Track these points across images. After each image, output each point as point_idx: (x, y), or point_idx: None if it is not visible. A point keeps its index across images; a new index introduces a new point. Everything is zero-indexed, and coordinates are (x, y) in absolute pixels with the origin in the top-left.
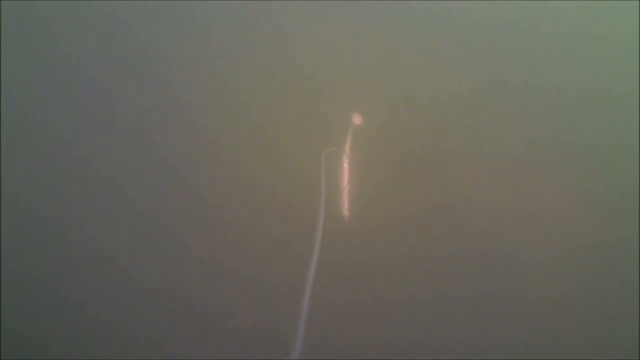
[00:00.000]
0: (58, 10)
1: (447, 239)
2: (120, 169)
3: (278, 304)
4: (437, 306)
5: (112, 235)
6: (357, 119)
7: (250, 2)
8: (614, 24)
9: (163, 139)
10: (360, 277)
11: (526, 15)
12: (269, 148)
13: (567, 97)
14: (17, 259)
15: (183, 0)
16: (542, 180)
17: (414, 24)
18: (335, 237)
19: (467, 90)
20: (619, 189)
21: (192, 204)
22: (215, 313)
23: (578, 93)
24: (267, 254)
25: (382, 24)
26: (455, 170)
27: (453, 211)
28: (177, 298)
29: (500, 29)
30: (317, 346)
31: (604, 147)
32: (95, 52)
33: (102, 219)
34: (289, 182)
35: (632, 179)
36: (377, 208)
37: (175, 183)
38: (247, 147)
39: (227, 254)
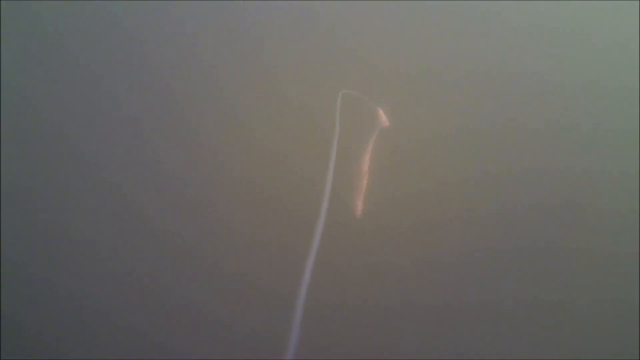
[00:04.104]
0: (58, 10)
1: (456, 244)
2: (118, 171)
3: (274, 303)
4: (436, 311)
5: (112, 237)
6: (383, 121)
7: (259, 3)
8: (614, 24)
9: (162, 141)
10: (360, 278)
11: (527, 15)
12: (268, 149)
13: (569, 95)
14: (17, 260)
15: (186, 1)
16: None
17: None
18: (338, 235)
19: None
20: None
21: (190, 204)
22: (211, 313)
23: (578, 90)
24: (266, 254)
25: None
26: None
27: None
28: (173, 299)
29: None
30: (313, 347)
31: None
32: (95, 53)
33: (103, 220)
34: (290, 183)
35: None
36: (387, 209)
37: (174, 185)
38: (245, 149)
39: (224, 255)
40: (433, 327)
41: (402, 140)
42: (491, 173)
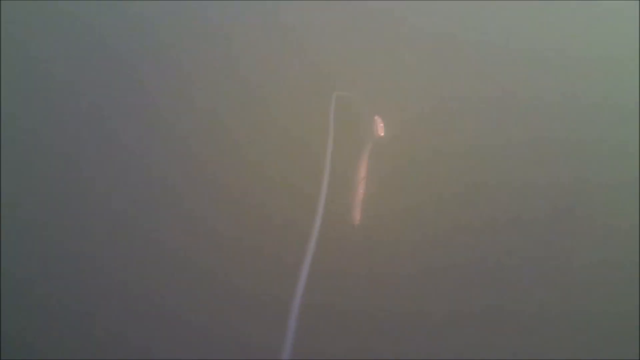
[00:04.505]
0: (58, 10)
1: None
2: (113, 179)
3: (269, 309)
4: (430, 318)
5: (108, 245)
6: (379, 130)
7: (259, 3)
8: (614, 24)
9: (156, 148)
10: (354, 284)
11: (528, 17)
12: (263, 155)
13: (569, 103)
14: (17, 261)
15: (185, 1)
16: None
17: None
18: (334, 238)
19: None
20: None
21: (185, 212)
22: (206, 319)
23: (578, 96)
24: (261, 260)
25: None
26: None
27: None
28: (169, 305)
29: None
30: (307, 353)
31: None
32: (95, 54)
33: (99, 229)
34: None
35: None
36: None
37: (168, 193)
38: (239, 156)
39: (219, 262)
40: (427, 333)
41: (400, 145)
42: (491, 182)
